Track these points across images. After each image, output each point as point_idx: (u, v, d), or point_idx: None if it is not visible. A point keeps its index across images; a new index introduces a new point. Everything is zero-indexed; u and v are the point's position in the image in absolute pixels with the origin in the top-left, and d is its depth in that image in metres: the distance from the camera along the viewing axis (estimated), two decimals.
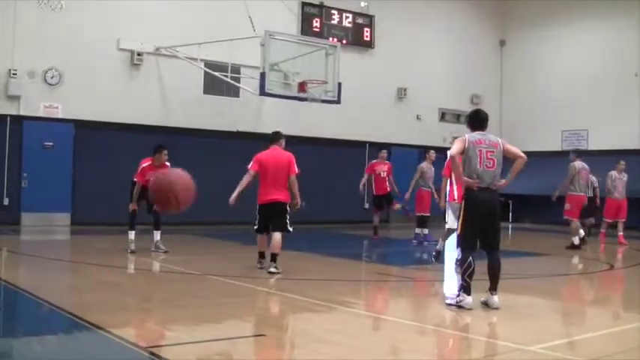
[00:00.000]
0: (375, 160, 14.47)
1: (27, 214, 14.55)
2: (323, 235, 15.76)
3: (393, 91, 20.34)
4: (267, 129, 17.61)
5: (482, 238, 6.70)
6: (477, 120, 6.94)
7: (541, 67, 21.77)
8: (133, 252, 10.36)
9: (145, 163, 10.50)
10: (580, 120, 20.46)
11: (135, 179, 10.56)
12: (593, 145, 20.01)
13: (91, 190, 15.00)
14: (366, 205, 18.30)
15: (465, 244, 6.71)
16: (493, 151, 6.68)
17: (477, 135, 6.81)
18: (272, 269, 8.58)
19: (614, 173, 14.38)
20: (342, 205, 18.23)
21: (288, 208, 8.85)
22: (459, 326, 6.24)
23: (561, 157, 20.56)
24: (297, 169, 8.97)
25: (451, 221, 9.44)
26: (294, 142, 17.78)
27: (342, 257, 10.37)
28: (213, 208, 16.58)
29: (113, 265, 9.21)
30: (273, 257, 8.67)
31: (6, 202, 14.42)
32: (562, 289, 8.95)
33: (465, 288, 6.56)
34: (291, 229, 8.80)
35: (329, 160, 17.96)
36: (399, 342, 5.53)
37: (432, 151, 14.06)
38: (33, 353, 5.02)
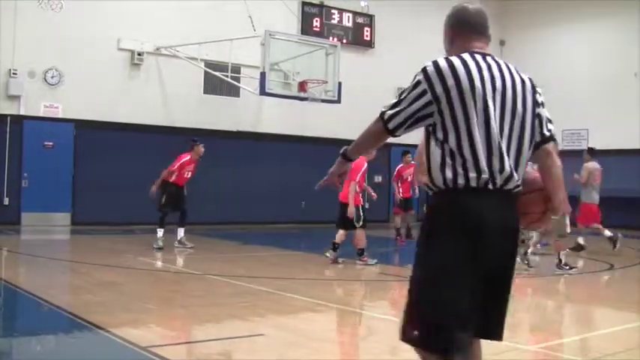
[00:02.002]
0: (400, 165, 14.45)
1: (27, 214, 14.55)
2: (323, 235, 15.73)
3: (393, 91, 20.31)
4: (268, 129, 17.77)
5: None
6: None
7: (540, 67, 21.69)
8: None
9: (185, 158, 11.27)
10: (580, 119, 20.45)
11: (167, 175, 11.12)
12: (593, 144, 19.98)
13: (92, 190, 15.00)
14: (366, 205, 18.30)
15: None
16: None
17: None
18: (357, 261, 10.01)
19: None
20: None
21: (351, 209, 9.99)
22: None
23: (561, 156, 20.58)
24: (357, 176, 9.99)
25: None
26: (294, 142, 17.90)
27: (343, 257, 10.36)
28: (213, 207, 16.53)
29: (113, 265, 9.21)
30: (357, 251, 10.05)
31: (6, 201, 14.42)
32: (562, 288, 8.95)
33: None
34: (357, 224, 9.97)
35: (329, 160, 17.68)
36: (399, 341, 5.53)
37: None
38: (33, 353, 5.03)
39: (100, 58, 15.30)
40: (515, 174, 2.81)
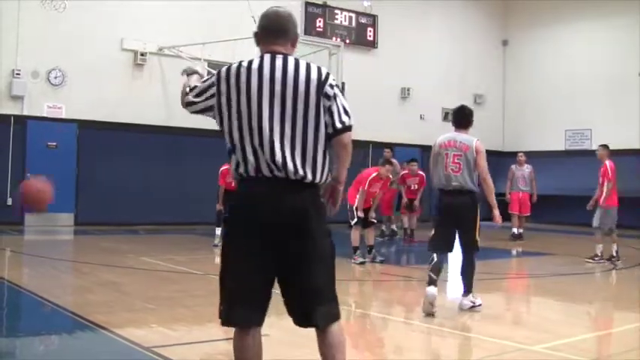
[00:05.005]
0: (405, 172, 14.41)
1: (30, 215, 14.56)
2: None
3: (397, 91, 20.33)
4: None
5: (459, 240, 6.66)
6: (454, 118, 6.96)
7: (543, 67, 21.74)
8: (216, 246, 11.62)
9: (224, 167, 11.80)
10: (583, 119, 20.42)
11: (221, 189, 12.05)
12: (597, 144, 19.95)
13: (95, 190, 15.03)
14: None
15: (431, 245, 6.70)
16: (460, 155, 6.56)
17: (449, 136, 6.75)
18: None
19: None
20: (343, 205, 18.22)
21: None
22: (460, 326, 6.25)
23: (565, 156, 20.58)
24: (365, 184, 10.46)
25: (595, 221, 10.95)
26: None
27: (343, 257, 10.36)
28: (214, 207, 16.51)
29: (116, 265, 9.23)
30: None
31: (9, 202, 14.44)
32: (563, 288, 8.94)
33: (429, 281, 6.36)
34: (351, 222, 10.38)
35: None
36: (400, 341, 5.54)
37: (521, 154, 15.39)
38: (36, 353, 5.04)
39: (103, 58, 15.33)
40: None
